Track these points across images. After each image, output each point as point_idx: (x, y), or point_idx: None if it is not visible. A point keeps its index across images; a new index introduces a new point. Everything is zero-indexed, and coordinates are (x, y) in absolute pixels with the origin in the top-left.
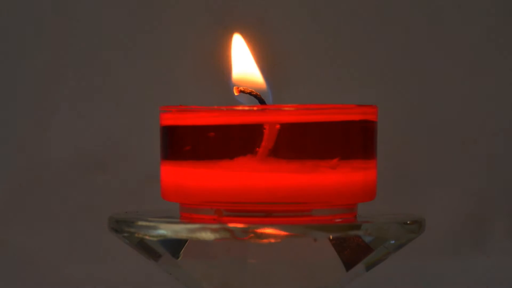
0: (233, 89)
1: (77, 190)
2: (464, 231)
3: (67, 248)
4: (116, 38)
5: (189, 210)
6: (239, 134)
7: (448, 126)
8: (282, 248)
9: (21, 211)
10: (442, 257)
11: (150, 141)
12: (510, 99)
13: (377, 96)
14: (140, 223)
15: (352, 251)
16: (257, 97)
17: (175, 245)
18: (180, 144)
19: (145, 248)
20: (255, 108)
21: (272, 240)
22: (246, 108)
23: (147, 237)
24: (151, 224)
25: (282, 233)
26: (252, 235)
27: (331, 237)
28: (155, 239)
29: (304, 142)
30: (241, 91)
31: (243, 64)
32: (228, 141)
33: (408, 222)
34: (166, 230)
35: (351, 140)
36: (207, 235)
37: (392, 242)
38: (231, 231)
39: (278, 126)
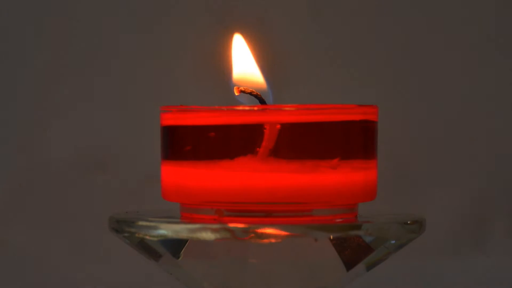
0: (233, 89)
1: (77, 190)
2: (464, 231)
3: (68, 248)
4: (116, 38)
5: (189, 210)
6: (240, 134)
7: (448, 126)
8: (283, 248)
9: (21, 211)
10: (442, 257)
11: (150, 141)
12: (510, 99)
13: (377, 96)
14: (140, 223)
15: (353, 251)
16: (257, 97)
17: (175, 245)
18: (181, 144)
19: (146, 248)
20: (255, 108)
21: (273, 240)
22: (247, 108)
23: (147, 237)
24: (152, 224)
25: (283, 233)
26: (252, 235)
27: (331, 237)
28: (155, 239)
29: (304, 142)
30: (241, 91)
31: (244, 64)
32: (229, 141)
33: (408, 222)
34: (167, 230)
35: (351, 140)
36: (208, 235)
37: (393, 242)
38: (231, 231)
39: (278, 126)
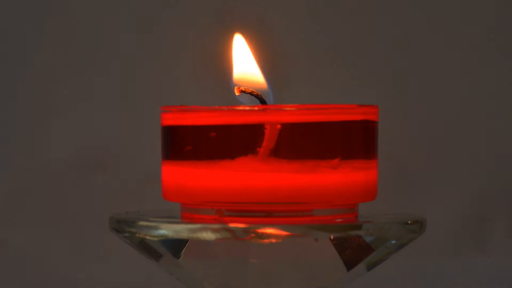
0: (234, 89)
1: (77, 190)
2: (464, 231)
3: (68, 248)
4: (116, 38)
5: (190, 210)
6: (240, 134)
7: (448, 126)
8: (283, 248)
9: (21, 211)
10: (443, 257)
11: (151, 141)
12: (510, 99)
13: (378, 96)
14: (141, 223)
15: (353, 251)
16: (258, 97)
17: (176, 245)
18: (181, 144)
19: (146, 248)
20: (256, 108)
21: (273, 240)
22: (247, 108)
23: (148, 237)
24: (152, 224)
25: (283, 233)
26: (253, 235)
27: (332, 237)
28: (156, 239)
29: (305, 142)
30: (242, 91)
31: (244, 64)
32: (229, 141)
33: (409, 222)
34: (167, 230)
35: (352, 140)
36: (208, 235)
37: (393, 242)
38: (232, 231)
39: (279, 126)
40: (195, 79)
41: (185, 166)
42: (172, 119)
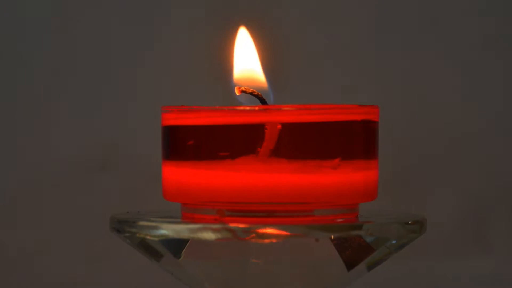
0: (234, 89)
1: (78, 190)
2: (465, 231)
3: (69, 248)
4: (116, 37)
5: (190, 210)
6: (241, 134)
7: (449, 126)
8: (284, 248)
9: (21, 211)
10: (443, 257)
11: (151, 141)
12: (510, 99)
13: (378, 96)
14: (141, 223)
15: (354, 251)
16: (258, 97)
17: (176, 245)
18: (182, 144)
19: (147, 248)
20: (256, 108)
21: (274, 240)
22: (248, 108)
23: (148, 237)
24: (153, 224)
25: (284, 233)
26: (253, 235)
27: (332, 237)
28: (156, 239)
29: (305, 142)
30: (242, 91)
31: (246, 62)
32: (230, 141)
33: (409, 222)
34: (168, 230)
35: (352, 140)
36: (209, 235)
37: (394, 242)
38: (232, 231)
39: (279, 126)
40: (196, 79)
41: (185, 166)
42: (173, 119)
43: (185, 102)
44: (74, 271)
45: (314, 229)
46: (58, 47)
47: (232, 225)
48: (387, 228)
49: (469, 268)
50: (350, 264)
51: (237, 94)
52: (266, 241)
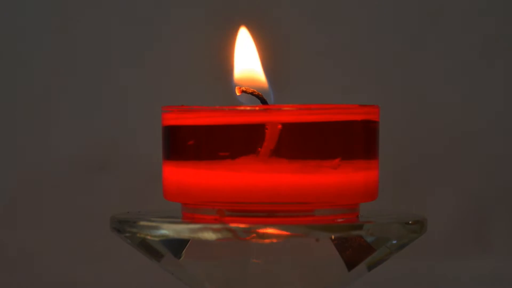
0: (235, 89)
1: (78, 190)
2: (465, 231)
3: (69, 248)
4: (116, 37)
5: (191, 210)
6: (241, 134)
7: (449, 126)
8: (284, 248)
9: (21, 211)
10: (443, 257)
11: (152, 141)
12: (510, 99)
13: (378, 96)
14: (142, 223)
15: (354, 251)
16: (258, 97)
17: (177, 245)
18: (182, 144)
19: (147, 248)
20: (257, 108)
21: (274, 240)
22: (248, 108)
23: (149, 237)
24: (153, 224)
25: (284, 233)
26: (254, 235)
27: (333, 237)
28: (157, 239)
29: (306, 142)
30: (243, 91)
31: (247, 62)
32: (230, 141)
33: (410, 222)
34: (168, 230)
35: (353, 140)
36: (209, 235)
37: (394, 242)
38: (233, 231)
39: (280, 126)
40: (196, 79)
41: (186, 166)
42: (173, 119)
43: (186, 102)
44: (74, 271)
45: (315, 229)
46: (58, 47)
47: (233, 225)
48: (388, 228)
49: (469, 268)
50: (351, 264)
51: (238, 94)
52: (267, 241)
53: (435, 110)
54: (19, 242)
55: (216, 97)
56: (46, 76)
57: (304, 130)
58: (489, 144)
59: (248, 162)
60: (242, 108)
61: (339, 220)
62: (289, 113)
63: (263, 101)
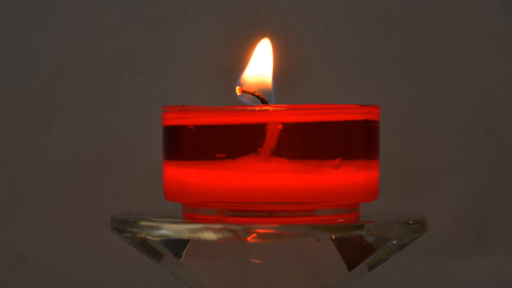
0: (235, 89)
1: (79, 190)
2: (465, 231)
3: (69, 248)
4: (118, 37)
5: (191, 210)
6: (242, 134)
7: (449, 126)
8: (285, 248)
9: (21, 211)
10: (444, 257)
11: (152, 141)
12: (510, 99)
13: (379, 96)
14: (142, 223)
15: (355, 251)
16: (259, 97)
17: (177, 245)
18: (183, 144)
19: (148, 248)
20: (257, 108)
21: (275, 240)
22: (249, 108)
23: (149, 237)
24: (154, 224)
25: (285, 233)
26: (254, 235)
27: (333, 237)
28: (157, 239)
29: (306, 142)
30: (243, 91)
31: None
32: (231, 141)
33: (410, 222)
34: (169, 230)
35: (353, 140)
36: (210, 235)
37: (395, 242)
38: (233, 231)
39: (280, 126)
40: (197, 79)
41: (186, 166)
42: (174, 119)
43: (186, 102)
44: (75, 271)
45: (315, 229)
46: (58, 47)
47: (233, 225)
48: (388, 228)
49: (470, 268)
50: (351, 264)
51: (238, 94)
52: (267, 241)
53: (435, 110)
54: (19, 242)
55: (216, 97)
56: (46, 76)
57: (305, 130)
58: (489, 144)
59: (248, 162)
60: (242, 108)
61: (340, 220)
62: (290, 113)
63: (264, 101)
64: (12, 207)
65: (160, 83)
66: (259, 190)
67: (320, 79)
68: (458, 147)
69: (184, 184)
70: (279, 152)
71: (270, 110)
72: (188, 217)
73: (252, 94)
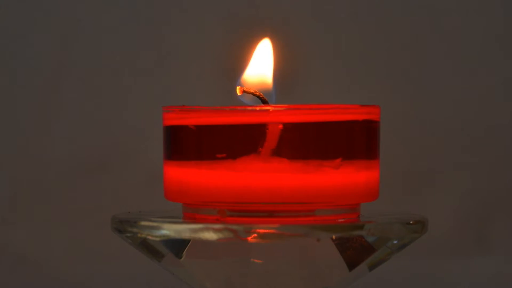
0: (236, 89)
1: (79, 190)
2: (465, 231)
3: (70, 248)
4: (118, 37)
5: (192, 210)
6: (242, 134)
7: (450, 126)
8: (285, 248)
9: (21, 211)
10: (444, 257)
11: (152, 141)
12: (510, 99)
13: (379, 96)
14: (143, 223)
15: (355, 251)
16: (260, 97)
17: (178, 245)
18: (183, 144)
19: (148, 248)
20: (257, 108)
21: (275, 240)
22: (249, 108)
23: (150, 237)
24: (154, 224)
25: (285, 233)
26: (255, 235)
27: (334, 237)
28: (158, 239)
29: (307, 142)
30: (244, 91)
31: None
32: (231, 141)
33: (410, 222)
34: (169, 230)
35: (354, 140)
36: (210, 235)
37: (395, 242)
38: (234, 231)
39: (280, 126)
40: (197, 79)
41: (187, 166)
42: (174, 119)
43: (187, 102)
44: (75, 271)
45: (316, 229)
46: (58, 47)
47: (234, 225)
48: (389, 228)
49: (470, 268)
50: (352, 264)
51: (239, 94)
52: (268, 241)
53: (435, 110)
54: (19, 242)
55: (217, 97)
56: (46, 76)
57: (305, 130)
58: (490, 144)
59: (249, 162)
60: (243, 108)
61: (340, 220)
62: (290, 113)
63: (264, 101)
64: (12, 207)
65: (160, 83)
66: (259, 190)
67: (321, 79)
68: (458, 147)
69: (185, 184)
70: (279, 152)
71: (271, 110)
72: (189, 217)
73: (253, 94)
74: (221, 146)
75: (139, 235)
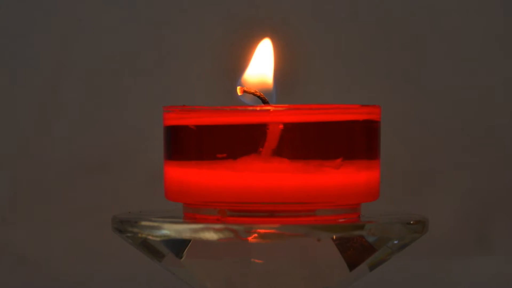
0: (236, 89)
1: (80, 190)
2: (466, 231)
3: (70, 248)
4: (118, 37)
5: (192, 210)
6: (243, 134)
7: (450, 126)
8: (286, 248)
9: (21, 211)
10: (444, 257)
11: (153, 141)
12: (510, 99)
13: (379, 96)
14: (143, 223)
15: (356, 251)
16: (260, 97)
17: (178, 245)
18: (184, 144)
19: (149, 248)
20: (258, 108)
21: (276, 240)
22: (250, 108)
23: (150, 237)
24: (155, 224)
25: (286, 233)
26: (255, 235)
27: (334, 237)
28: (158, 239)
29: (307, 142)
30: (244, 91)
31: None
32: (232, 141)
33: (411, 222)
34: (169, 230)
35: (354, 140)
36: (211, 235)
37: (396, 242)
38: (234, 231)
39: (281, 126)
40: (197, 79)
41: (187, 166)
42: (175, 119)
43: (187, 102)
44: (75, 271)
45: (316, 229)
46: (58, 47)
47: (234, 225)
48: (389, 228)
49: (471, 268)
50: (352, 264)
51: (239, 94)
52: (268, 241)
53: (435, 110)
54: (19, 242)
55: (217, 97)
56: (46, 76)
57: (306, 130)
58: (490, 144)
59: (249, 162)
60: (243, 108)
61: (341, 220)
62: (291, 113)
63: (264, 101)
64: (12, 207)
65: (160, 83)
66: (260, 190)
67: (321, 79)
68: (458, 147)
69: (185, 184)
70: (280, 152)
71: (271, 110)
72: (189, 217)
73: (253, 94)
74: (222, 146)
75: (139, 235)
